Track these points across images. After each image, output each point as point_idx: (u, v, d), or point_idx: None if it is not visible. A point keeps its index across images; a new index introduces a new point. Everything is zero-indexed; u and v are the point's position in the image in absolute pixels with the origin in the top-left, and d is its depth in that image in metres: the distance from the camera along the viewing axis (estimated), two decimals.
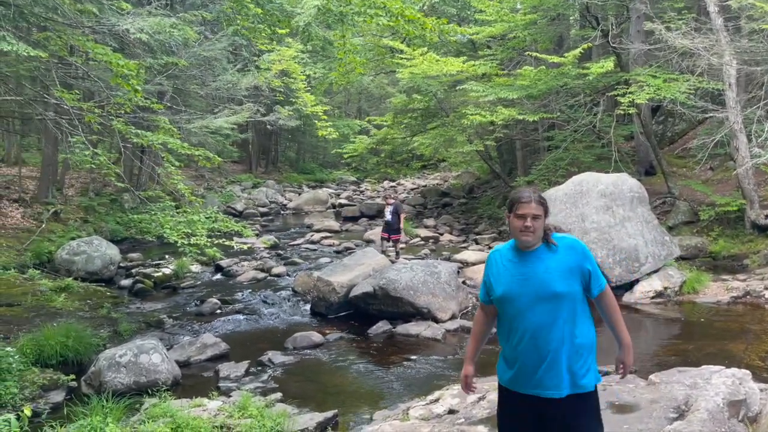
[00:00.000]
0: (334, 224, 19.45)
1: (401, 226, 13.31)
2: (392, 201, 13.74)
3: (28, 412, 3.14)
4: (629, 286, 9.99)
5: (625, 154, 15.62)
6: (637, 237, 10.24)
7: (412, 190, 28.90)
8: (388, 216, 13.28)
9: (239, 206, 23.04)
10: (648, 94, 12.20)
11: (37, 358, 6.72)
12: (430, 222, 19.03)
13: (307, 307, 9.74)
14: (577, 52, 13.76)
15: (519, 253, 2.82)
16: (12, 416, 3.08)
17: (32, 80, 11.72)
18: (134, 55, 10.01)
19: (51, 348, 6.86)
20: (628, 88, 12.86)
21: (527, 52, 15.82)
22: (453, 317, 8.73)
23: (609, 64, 13.27)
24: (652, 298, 9.67)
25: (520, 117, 14.43)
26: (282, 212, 24.55)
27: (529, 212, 2.72)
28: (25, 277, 10.37)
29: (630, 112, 13.01)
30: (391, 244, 13.19)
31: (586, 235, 10.16)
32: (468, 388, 3.07)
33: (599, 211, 10.42)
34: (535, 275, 2.75)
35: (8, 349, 6.25)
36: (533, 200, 2.74)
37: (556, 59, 13.99)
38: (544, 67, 14.26)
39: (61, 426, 4.59)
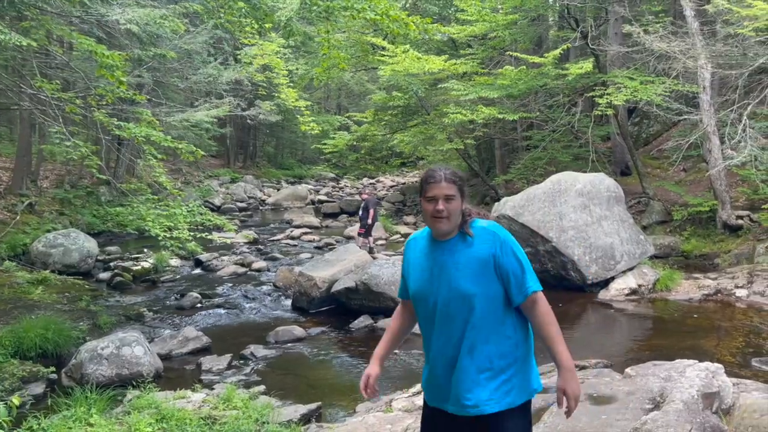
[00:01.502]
0: (314, 220, 19.47)
1: (369, 222, 13.32)
2: (365, 196, 13.85)
3: (16, 401, 3.14)
4: (605, 283, 10.20)
5: (601, 154, 15.90)
6: (613, 236, 10.45)
7: (391, 187, 29.01)
8: (360, 212, 13.40)
9: (217, 201, 22.91)
10: (625, 95, 12.44)
11: (16, 350, 6.66)
12: (410, 219, 19.16)
13: (288, 302, 9.77)
14: (556, 52, 13.96)
15: (432, 243, 2.40)
16: (0, 405, 3.08)
17: (5, 69, 11.54)
18: (120, 46, 9.93)
19: (30, 340, 6.80)
20: (605, 90, 13.10)
21: (508, 52, 16.01)
22: None
23: (587, 65, 13.50)
24: (627, 295, 9.89)
25: (500, 116, 14.60)
26: (261, 207, 24.46)
27: (440, 193, 2.28)
28: (1, 269, 10.23)
29: (607, 113, 13.27)
30: (367, 241, 13.28)
31: (564, 233, 10.34)
32: (367, 389, 2.56)
33: (577, 210, 10.61)
34: (444, 271, 2.33)
35: None
36: (444, 178, 2.30)
37: (536, 59, 14.18)
38: (524, 67, 14.45)
39: (44, 417, 4.58)
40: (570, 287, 10.33)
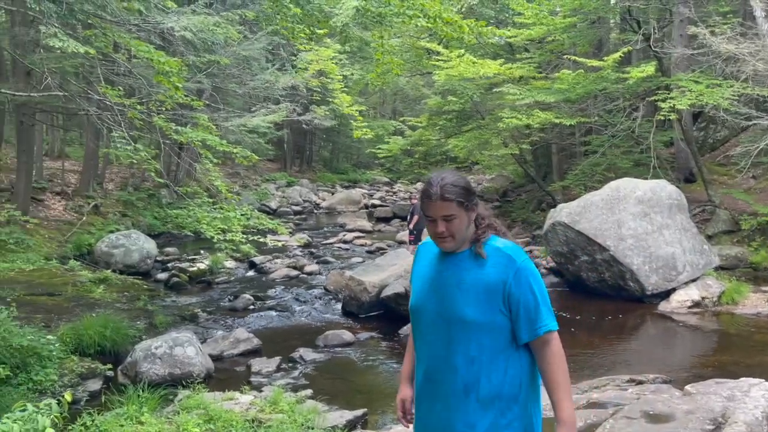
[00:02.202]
0: (367, 224, 19.53)
1: (410, 227, 13.28)
2: (414, 201, 13.83)
3: (68, 397, 3.23)
4: (665, 294, 9.80)
5: (664, 160, 15.33)
6: (674, 245, 10.04)
7: None
8: (408, 217, 13.43)
9: (273, 204, 23.30)
10: (690, 99, 11.93)
11: (76, 346, 6.89)
12: None
13: (339, 305, 9.80)
14: (617, 55, 13.55)
15: (442, 253, 2.15)
16: (53, 401, 3.17)
17: (76, 76, 12.05)
18: (177, 53, 10.24)
19: (89, 337, 7.03)
20: (669, 93, 12.60)
21: (566, 56, 15.64)
22: None
23: (650, 68, 13.03)
24: (690, 307, 9.47)
25: (557, 121, 14.26)
26: (315, 211, 24.73)
27: (436, 213, 2.02)
28: (66, 267, 10.66)
29: (670, 117, 12.76)
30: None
31: (623, 242, 10.00)
32: (406, 416, 2.36)
33: (636, 218, 10.24)
34: (445, 287, 2.08)
35: (49, 337, 6.44)
36: (440, 196, 2.01)
37: (595, 63, 13.80)
38: (582, 70, 14.08)
39: (98, 413, 4.71)
40: (628, 298, 9.98)
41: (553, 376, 2.03)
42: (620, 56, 13.61)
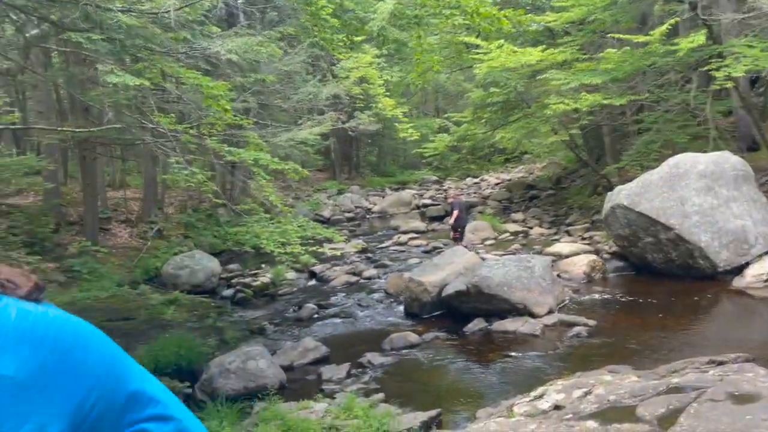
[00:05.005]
0: (420, 225, 19.51)
1: (452, 222, 13.52)
2: (450, 200, 13.98)
3: None
4: (739, 270, 9.43)
5: (724, 130, 14.76)
6: (744, 217, 9.65)
7: (496, 184, 28.51)
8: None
9: (326, 213, 23.57)
10: (745, 65, 11.44)
11: (155, 367, 7.14)
12: (518, 216, 18.70)
13: (401, 308, 9.84)
14: (663, 28, 13.12)
15: None
16: None
17: (129, 108, 12.52)
18: (224, 75, 10.53)
19: (166, 358, 7.29)
20: (722, 61, 12.12)
21: (609, 34, 15.25)
22: (550, 312, 8.56)
23: (700, 37, 12.56)
24: (766, 281, 9.08)
25: (606, 102, 13.94)
26: (367, 216, 24.86)
27: None
28: (138, 292, 11.09)
29: (726, 86, 12.28)
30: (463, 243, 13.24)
31: (687, 219, 9.68)
32: None
33: (700, 193, 9.89)
34: None
35: None
36: None
37: (641, 38, 13.41)
38: (628, 48, 13.71)
39: None
40: (699, 276, 9.66)
41: None
42: (667, 28, 13.18)
